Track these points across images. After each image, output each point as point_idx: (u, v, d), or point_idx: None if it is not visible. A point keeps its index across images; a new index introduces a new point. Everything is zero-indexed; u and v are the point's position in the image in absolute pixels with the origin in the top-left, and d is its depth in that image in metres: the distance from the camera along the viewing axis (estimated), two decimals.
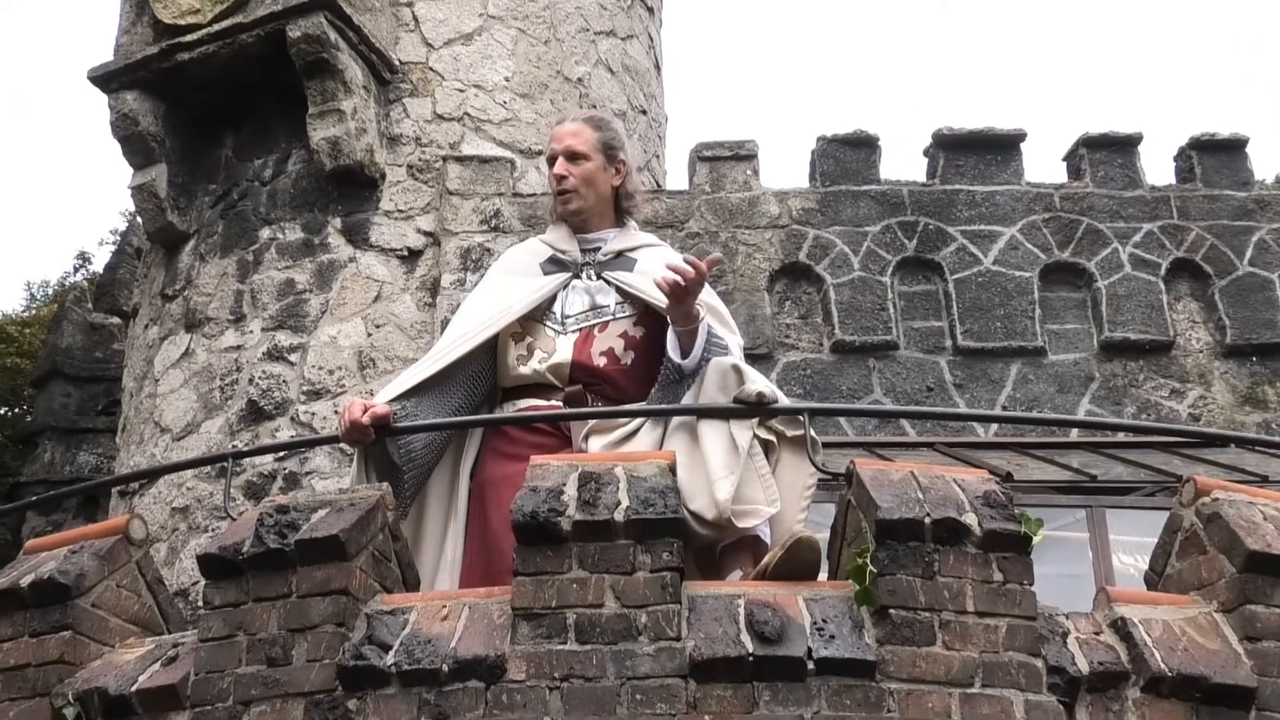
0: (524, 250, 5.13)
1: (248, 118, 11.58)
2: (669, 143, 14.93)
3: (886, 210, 10.69)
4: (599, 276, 4.90)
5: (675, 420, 4.42)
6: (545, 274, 4.92)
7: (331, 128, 10.72)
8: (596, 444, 4.47)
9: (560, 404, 4.69)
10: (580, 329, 4.78)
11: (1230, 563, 3.93)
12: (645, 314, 4.80)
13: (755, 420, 4.26)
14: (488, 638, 3.70)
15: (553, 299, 4.86)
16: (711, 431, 4.25)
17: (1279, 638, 3.83)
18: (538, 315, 4.84)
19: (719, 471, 4.14)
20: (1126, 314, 10.38)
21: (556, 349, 4.73)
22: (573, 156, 4.91)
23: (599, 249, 4.96)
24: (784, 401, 4.40)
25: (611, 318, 4.81)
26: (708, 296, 4.88)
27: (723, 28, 56.02)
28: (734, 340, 4.74)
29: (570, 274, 4.91)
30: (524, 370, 4.75)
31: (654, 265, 4.87)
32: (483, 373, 4.86)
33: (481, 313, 4.85)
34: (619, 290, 4.84)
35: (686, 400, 4.47)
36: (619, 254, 4.95)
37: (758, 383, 4.31)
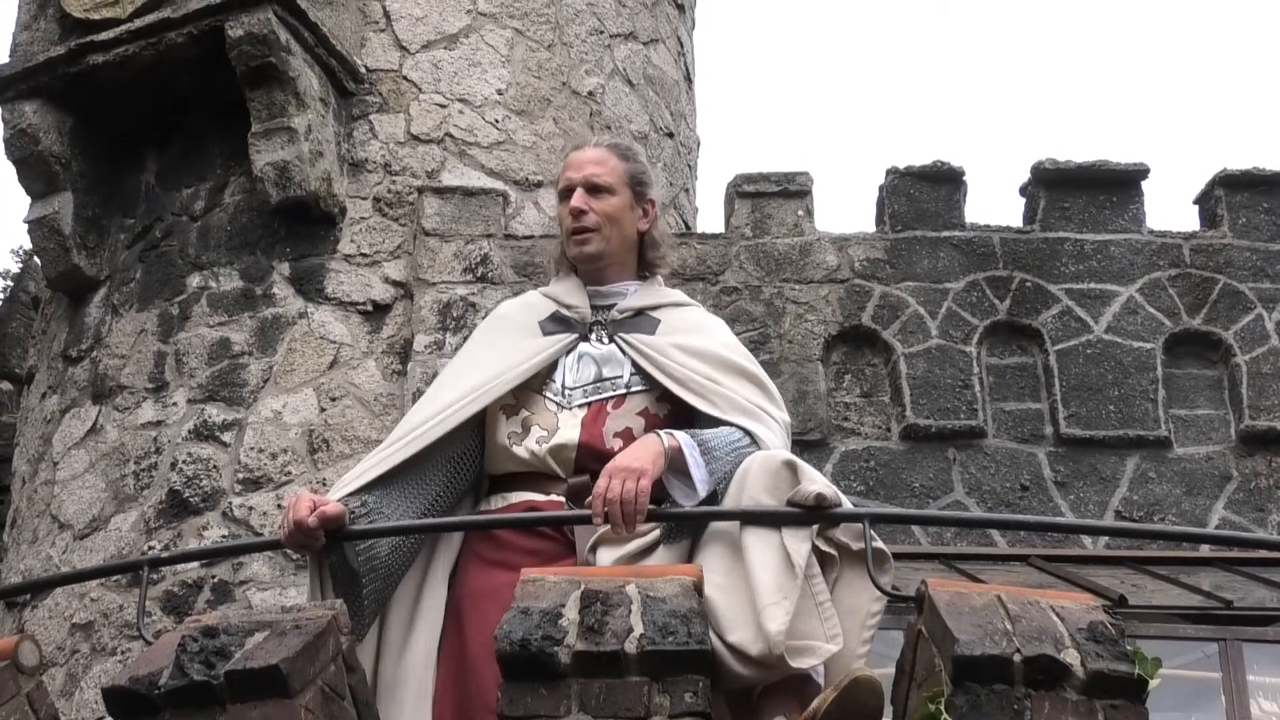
0: (520, 305, 5.16)
1: (175, 137, 11.67)
2: (701, 173, 14.98)
3: (973, 262, 10.73)
4: (612, 339, 4.90)
5: (711, 527, 4.39)
6: (546, 334, 4.92)
7: (279, 150, 10.74)
8: (607, 557, 4.41)
9: (563, 500, 4.65)
10: (588, 403, 4.76)
11: None
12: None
13: (814, 529, 4.22)
14: None
15: (554, 366, 4.86)
16: (758, 542, 4.19)
17: None
18: (534, 385, 4.82)
19: (769, 595, 4.07)
20: (1273, 397, 10.39)
21: (560, 426, 4.71)
22: (594, 189, 4.92)
23: (614, 305, 4.97)
24: (845, 505, 4.32)
25: (626, 390, 4.79)
26: (739, 358, 4.88)
27: (770, 31, 56.09)
28: (779, 418, 4.75)
29: (577, 335, 4.92)
30: (518, 451, 4.72)
31: (681, 328, 4.91)
32: (467, 456, 4.85)
33: (465, 381, 4.84)
34: (634, 359, 4.83)
35: (725, 504, 4.42)
36: (638, 312, 4.96)
37: (817, 482, 4.26)
